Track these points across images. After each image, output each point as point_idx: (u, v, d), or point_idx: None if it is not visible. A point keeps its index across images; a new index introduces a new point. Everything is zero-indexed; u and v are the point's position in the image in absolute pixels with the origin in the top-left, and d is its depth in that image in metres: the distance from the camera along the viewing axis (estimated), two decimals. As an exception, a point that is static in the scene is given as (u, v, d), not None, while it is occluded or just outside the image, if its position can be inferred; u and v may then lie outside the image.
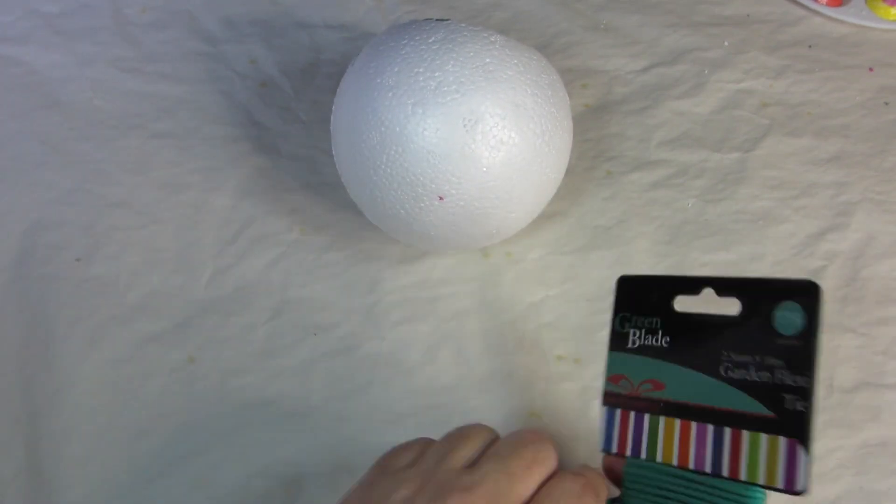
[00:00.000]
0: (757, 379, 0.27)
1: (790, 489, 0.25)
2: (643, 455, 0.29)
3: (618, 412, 0.30)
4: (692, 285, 0.30)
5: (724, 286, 0.29)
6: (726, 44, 0.52)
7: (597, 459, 0.37)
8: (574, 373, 0.39)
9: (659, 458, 0.28)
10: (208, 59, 0.51)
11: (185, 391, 0.38)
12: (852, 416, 0.38)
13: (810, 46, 0.52)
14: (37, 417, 0.38)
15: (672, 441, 0.28)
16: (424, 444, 0.29)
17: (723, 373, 0.27)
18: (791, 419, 0.26)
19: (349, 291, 0.42)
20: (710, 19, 0.53)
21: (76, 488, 0.36)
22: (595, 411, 0.38)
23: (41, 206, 0.44)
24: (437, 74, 0.34)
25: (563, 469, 0.28)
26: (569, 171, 0.41)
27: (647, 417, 0.29)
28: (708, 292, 0.29)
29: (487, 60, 0.35)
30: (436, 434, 0.37)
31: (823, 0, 0.54)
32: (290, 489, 0.36)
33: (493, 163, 0.35)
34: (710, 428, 0.27)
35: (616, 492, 0.30)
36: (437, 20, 0.37)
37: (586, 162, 0.46)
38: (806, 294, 0.26)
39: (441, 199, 0.36)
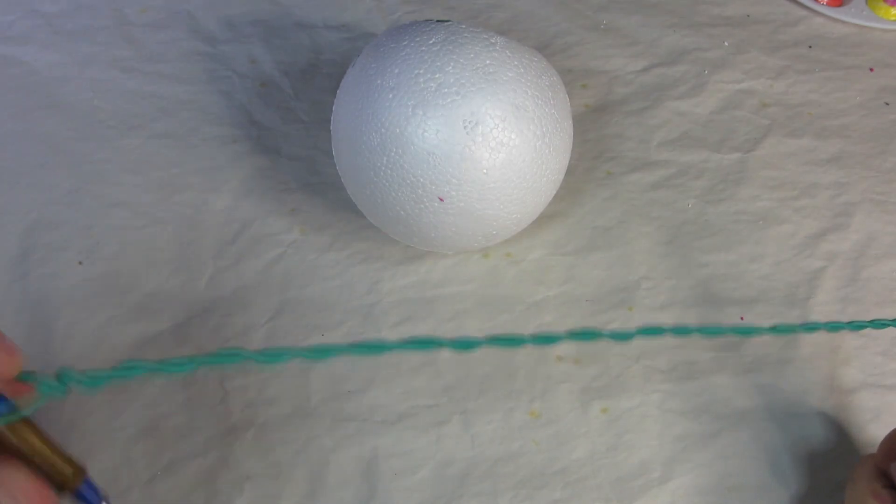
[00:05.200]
0: None
1: None
2: None
3: None
4: None
5: None
6: (726, 44, 0.52)
7: (597, 459, 0.37)
8: (574, 373, 0.39)
9: None
10: (208, 59, 0.51)
11: (186, 391, 0.38)
12: (852, 416, 0.38)
13: (810, 47, 0.52)
14: (37, 417, 0.38)
15: None
16: None
17: None
18: None
19: (349, 291, 0.42)
20: (710, 19, 0.53)
21: (76, 488, 0.36)
22: (595, 411, 0.38)
23: (41, 206, 0.44)
24: (437, 76, 0.34)
25: None
26: (569, 172, 0.41)
27: None
28: None
29: (488, 62, 0.35)
30: (433, 436, 0.38)
31: (824, 0, 0.54)
32: (290, 489, 0.36)
33: (494, 164, 0.35)
34: None
35: None
36: (437, 21, 0.37)
37: (586, 162, 0.46)
38: None
39: (441, 200, 0.36)
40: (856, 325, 0.32)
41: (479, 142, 0.35)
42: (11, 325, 0.40)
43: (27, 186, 0.45)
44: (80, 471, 0.26)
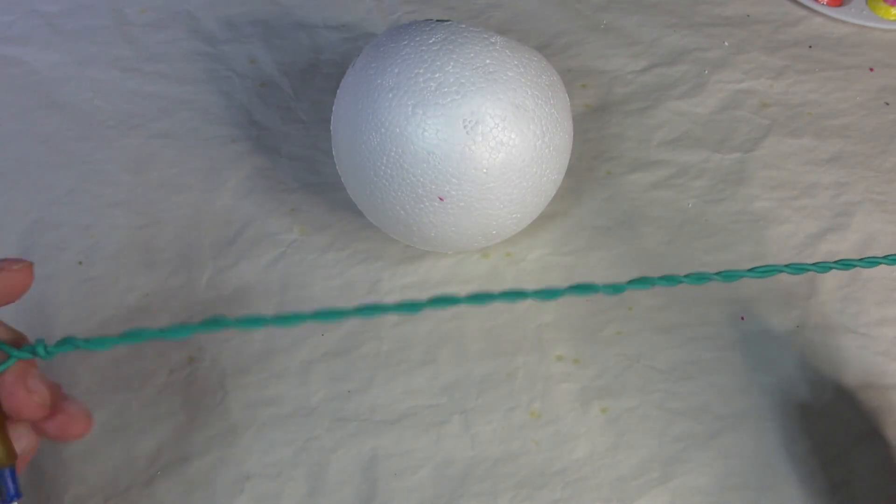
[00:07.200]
0: None
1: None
2: None
3: None
4: None
5: None
6: (726, 44, 0.52)
7: (597, 459, 0.37)
8: (574, 373, 0.39)
9: None
10: (208, 59, 0.51)
11: (185, 391, 0.38)
12: (853, 416, 0.38)
13: (810, 46, 0.52)
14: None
15: None
16: None
17: None
18: None
19: (349, 291, 0.42)
20: (710, 19, 0.53)
21: (76, 488, 0.36)
22: (595, 411, 0.38)
23: (41, 206, 0.44)
24: (437, 76, 0.34)
25: None
26: (569, 172, 0.41)
27: None
28: None
29: (488, 62, 0.35)
30: (433, 436, 0.38)
31: (824, 0, 0.54)
32: (290, 489, 0.36)
33: (493, 164, 0.35)
34: None
35: None
36: (437, 21, 0.37)
37: (586, 162, 0.46)
38: None
39: (441, 199, 0.36)
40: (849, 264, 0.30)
41: (479, 141, 0.35)
42: (11, 326, 0.40)
43: (27, 186, 0.45)
44: (11, 456, 0.28)
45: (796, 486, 0.36)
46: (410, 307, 0.28)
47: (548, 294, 0.29)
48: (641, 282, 0.29)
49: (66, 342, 0.27)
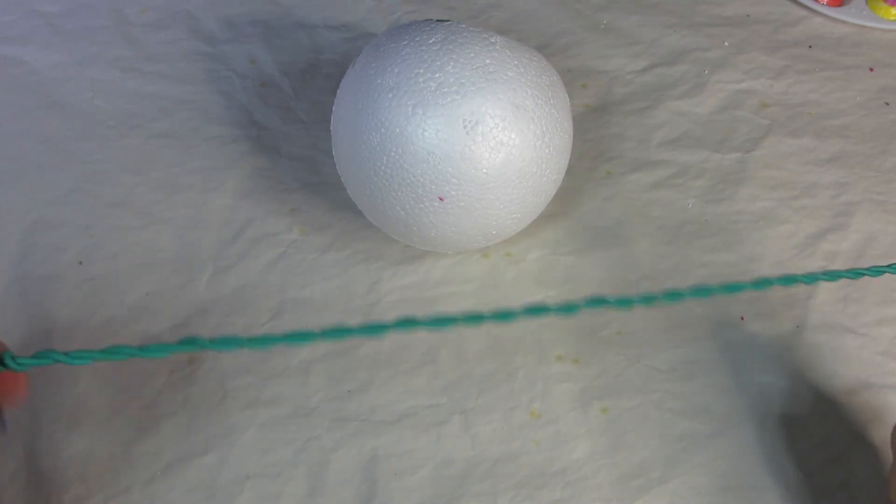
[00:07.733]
0: None
1: None
2: None
3: None
4: None
5: None
6: (726, 44, 0.52)
7: (597, 459, 0.37)
8: (574, 373, 0.39)
9: None
10: (208, 59, 0.51)
11: (185, 391, 0.38)
12: (853, 416, 0.38)
13: (810, 46, 0.52)
14: (37, 417, 0.38)
15: None
16: None
17: None
18: None
19: (349, 291, 0.42)
20: (710, 19, 0.53)
21: (75, 488, 0.36)
22: (595, 411, 0.38)
23: (41, 206, 0.44)
24: (437, 76, 0.34)
25: None
26: (569, 172, 0.41)
27: None
28: None
29: (487, 62, 0.35)
30: (433, 436, 0.38)
31: (824, 0, 0.54)
32: (290, 489, 0.36)
33: (493, 164, 0.35)
34: None
35: None
36: (437, 21, 0.37)
37: (586, 162, 0.46)
38: None
39: (441, 199, 0.36)
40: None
41: (479, 141, 0.35)
42: (11, 325, 0.41)
43: (27, 186, 0.45)
44: None
45: (796, 486, 0.36)
46: (406, 324, 0.30)
47: (539, 310, 0.30)
48: (646, 299, 0.30)
49: (43, 355, 0.27)
